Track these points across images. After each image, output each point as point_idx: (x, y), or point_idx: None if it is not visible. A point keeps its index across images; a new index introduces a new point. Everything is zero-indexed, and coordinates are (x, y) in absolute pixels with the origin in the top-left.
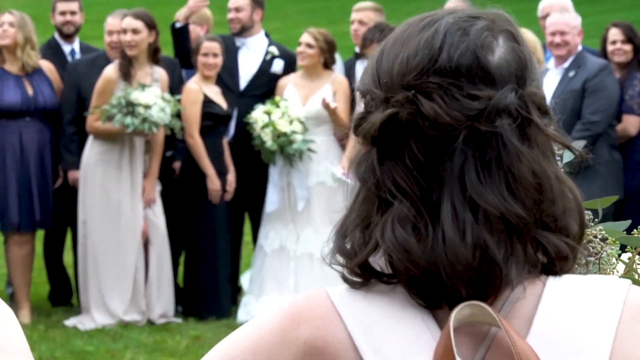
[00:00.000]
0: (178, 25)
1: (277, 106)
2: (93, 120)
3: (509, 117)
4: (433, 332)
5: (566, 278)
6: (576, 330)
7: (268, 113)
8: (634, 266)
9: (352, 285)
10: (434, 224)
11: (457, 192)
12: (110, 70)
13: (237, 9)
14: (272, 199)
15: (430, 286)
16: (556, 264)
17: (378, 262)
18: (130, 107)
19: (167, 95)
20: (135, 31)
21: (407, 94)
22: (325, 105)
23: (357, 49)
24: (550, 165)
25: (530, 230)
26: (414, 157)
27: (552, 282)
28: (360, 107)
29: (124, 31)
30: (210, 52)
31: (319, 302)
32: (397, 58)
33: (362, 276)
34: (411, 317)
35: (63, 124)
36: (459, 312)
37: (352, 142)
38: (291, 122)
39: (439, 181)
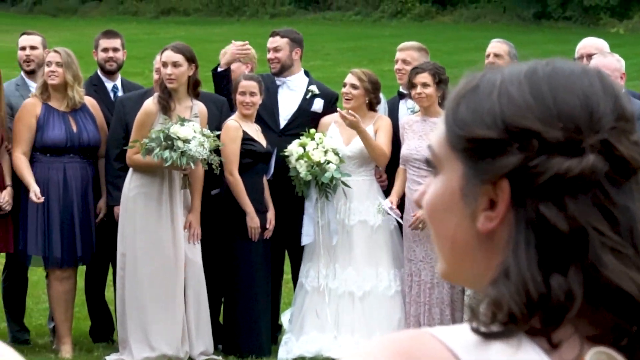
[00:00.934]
0: (219, 70)
1: (312, 138)
2: (132, 153)
3: None
4: None
5: None
6: None
7: (303, 145)
8: None
9: (499, 337)
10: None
11: None
12: (150, 104)
13: (276, 49)
14: (307, 231)
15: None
16: None
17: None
18: (169, 141)
19: (207, 130)
20: (175, 64)
21: (600, 137)
22: (343, 117)
23: (400, 88)
24: None
25: None
26: (603, 196)
27: None
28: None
29: (164, 64)
30: (247, 91)
31: (427, 342)
32: (570, 103)
33: (520, 325)
34: None
35: (110, 159)
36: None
37: (401, 177)
38: (326, 152)
39: (627, 217)
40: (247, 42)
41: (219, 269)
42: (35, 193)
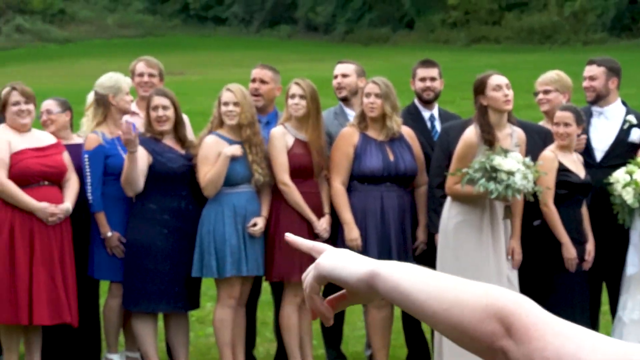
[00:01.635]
0: None
1: (639, 166)
2: (452, 183)
3: None
4: None
5: None
6: None
7: (630, 173)
8: None
9: None
10: None
11: None
12: (472, 135)
13: (592, 78)
14: (632, 261)
15: None
16: None
17: None
18: (493, 173)
19: (529, 161)
20: (508, 86)
21: None
22: None
23: None
24: None
25: None
26: None
27: None
28: None
29: (497, 87)
30: (561, 122)
31: None
32: None
33: None
34: None
35: (432, 187)
36: None
37: None
38: None
39: None
40: None
41: (536, 299)
42: (355, 241)
